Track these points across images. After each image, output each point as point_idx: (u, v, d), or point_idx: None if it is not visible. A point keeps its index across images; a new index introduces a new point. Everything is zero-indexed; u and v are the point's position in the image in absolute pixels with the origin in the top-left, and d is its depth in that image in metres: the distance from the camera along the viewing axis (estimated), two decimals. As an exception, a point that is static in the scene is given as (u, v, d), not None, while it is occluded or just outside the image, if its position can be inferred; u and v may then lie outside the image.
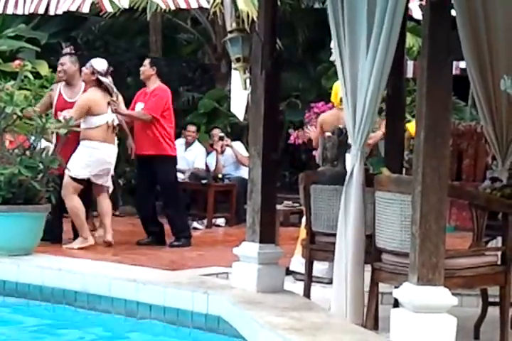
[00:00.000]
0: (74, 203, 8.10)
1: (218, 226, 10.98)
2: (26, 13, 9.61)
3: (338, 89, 8.48)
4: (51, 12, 9.01)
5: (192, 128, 11.97)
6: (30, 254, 6.56)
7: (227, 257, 6.06)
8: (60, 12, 8.89)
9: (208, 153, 12.06)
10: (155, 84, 8.99)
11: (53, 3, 9.12)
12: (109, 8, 9.53)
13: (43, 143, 7.15)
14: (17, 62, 7.07)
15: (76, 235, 8.21)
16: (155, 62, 9.24)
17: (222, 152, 11.70)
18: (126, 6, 9.48)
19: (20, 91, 6.90)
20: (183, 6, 9.56)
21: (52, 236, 7.98)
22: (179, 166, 11.92)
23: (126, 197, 12.42)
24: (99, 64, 8.37)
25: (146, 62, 9.10)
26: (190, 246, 8.75)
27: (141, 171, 9.09)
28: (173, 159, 9.09)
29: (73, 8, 9.19)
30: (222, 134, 11.63)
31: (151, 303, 5.63)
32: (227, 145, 11.52)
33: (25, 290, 6.15)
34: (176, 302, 5.53)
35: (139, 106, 8.96)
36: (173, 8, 9.68)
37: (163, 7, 9.69)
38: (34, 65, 10.69)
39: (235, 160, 11.55)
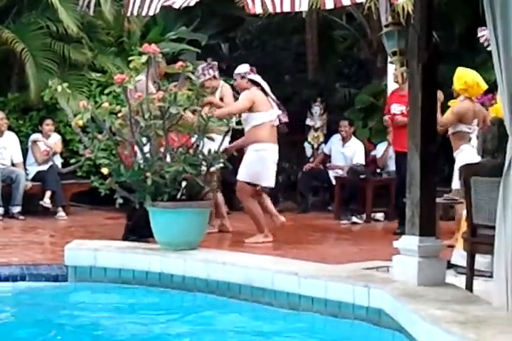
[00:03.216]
0: (250, 204, 8.50)
1: (377, 220, 10.99)
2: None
3: (461, 76, 8.39)
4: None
5: (344, 123, 12.01)
6: (195, 249, 6.77)
7: (387, 251, 6.07)
8: None
9: (370, 150, 12.11)
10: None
11: None
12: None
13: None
14: (179, 63, 7.28)
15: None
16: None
17: None
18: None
19: (182, 92, 7.12)
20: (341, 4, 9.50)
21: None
22: (337, 162, 12.06)
23: (285, 193, 12.63)
24: (241, 68, 8.65)
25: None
26: None
27: (399, 167, 9.30)
28: None
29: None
30: None
31: (312, 296, 5.71)
32: None
33: (192, 283, 6.36)
34: (338, 295, 5.59)
35: (396, 108, 9.54)
36: (331, 7, 9.66)
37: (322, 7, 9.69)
38: (195, 65, 11.02)
39: None
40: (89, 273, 6.67)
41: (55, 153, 10.98)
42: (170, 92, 6.91)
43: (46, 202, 10.59)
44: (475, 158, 7.92)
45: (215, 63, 9.25)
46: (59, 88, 7.13)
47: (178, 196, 6.83)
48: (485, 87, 8.65)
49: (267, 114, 8.49)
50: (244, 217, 10.87)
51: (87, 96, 11.13)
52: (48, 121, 11.13)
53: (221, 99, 8.96)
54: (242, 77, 8.72)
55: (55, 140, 11.15)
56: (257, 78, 8.73)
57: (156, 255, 6.60)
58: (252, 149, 8.42)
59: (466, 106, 8.47)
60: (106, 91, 7.67)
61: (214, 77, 9.05)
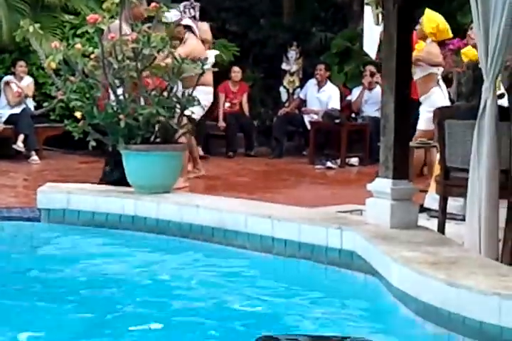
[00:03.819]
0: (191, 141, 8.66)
1: (352, 165, 11.01)
2: None
3: (433, 19, 8.40)
4: None
5: (320, 66, 11.98)
6: (168, 192, 6.74)
7: (361, 195, 6.07)
8: None
9: (346, 95, 12.07)
10: None
11: None
12: None
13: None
14: (153, 4, 7.18)
15: None
16: None
17: (371, 89, 11.63)
18: None
19: (156, 33, 7.02)
20: None
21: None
22: (312, 107, 12.03)
23: (260, 138, 12.61)
24: (172, 16, 8.60)
25: None
26: None
27: None
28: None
29: None
30: (374, 70, 11.50)
31: (286, 239, 5.73)
32: (377, 83, 11.35)
33: (165, 226, 6.35)
34: (311, 237, 5.61)
35: None
36: None
37: None
38: (170, 8, 10.86)
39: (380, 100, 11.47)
40: (62, 216, 6.65)
41: (27, 96, 10.87)
42: (143, 34, 6.82)
43: (19, 145, 10.52)
44: (445, 100, 7.96)
45: (198, 4, 9.20)
46: (31, 28, 7.02)
47: (152, 139, 6.79)
48: (451, 34, 8.70)
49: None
50: (219, 161, 10.91)
51: (60, 39, 10.95)
52: (21, 63, 10.99)
53: (203, 41, 8.97)
54: (177, 25, 8.71)
55: (28, 82, 11.02)
56: (189, 22, 8.72)
57: (129, 198, 6.57)
58: (201, 90, 8.46)
59: (438, 48, 8.53)
60: (78, 32, 7.56)
61: (194, 17, 9.02)
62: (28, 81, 11.02)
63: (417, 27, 8.56)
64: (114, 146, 6.82)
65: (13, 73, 11.03)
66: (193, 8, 9.07)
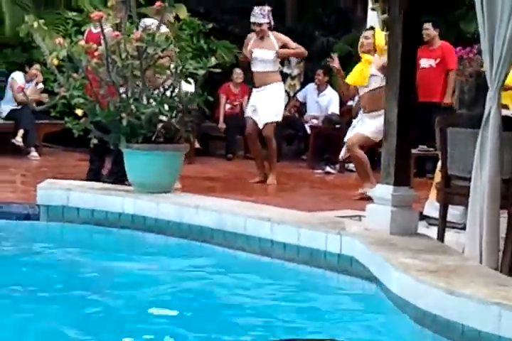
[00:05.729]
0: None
1: (351, 170, 10.97)
2: None
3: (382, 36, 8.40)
4: None
5: (319, 71, 11.96)
6: (169, 192, 6.73)
7: (360, 201, 6.07)
8: None
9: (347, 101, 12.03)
10: (438, 42, 10.24)
11: None
12: None
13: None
14: (158, 3, 7.18)
15: None
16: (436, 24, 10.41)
17: None
18: None
19: (161, 32, 7.01)
20: None
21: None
22: (311, 111, 12.02)
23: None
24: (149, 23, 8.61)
25: (428, 25, 10.09)
26: None
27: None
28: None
29: None
30: None
31: (285, 242, 5.72)
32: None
33: (164, 226, 6.34)
34: (310, 242, 5.60)
35: (425, 62, 10.12)
36: None
37: None
38: (173, 7, 10.84)
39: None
40: (61, 212, 6.63)
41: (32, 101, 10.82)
42: (148, 32, 6.81)
43: (18, 140, 10.51)
44: None
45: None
46: (35, 24, 7.01)
47: (153, 138, 6.78)
48: None
49: None
50: (218, 162, 10.91)
51: (63, 36, 10.91)
52: (37, 66, 10.91)
53: (283, 46, 9.40)
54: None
55: (38, 87, 10.98)
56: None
57: (129, 197, 6.56)
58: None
59: None
60: (83, 28, 7.56)
61: (269, 23, 9.32)
62: (39, 86, 10.98)
63: (370, 40, 8.52)
64: (116, 145, 6.81)
65: (25, 71, 11.02)
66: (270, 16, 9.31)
